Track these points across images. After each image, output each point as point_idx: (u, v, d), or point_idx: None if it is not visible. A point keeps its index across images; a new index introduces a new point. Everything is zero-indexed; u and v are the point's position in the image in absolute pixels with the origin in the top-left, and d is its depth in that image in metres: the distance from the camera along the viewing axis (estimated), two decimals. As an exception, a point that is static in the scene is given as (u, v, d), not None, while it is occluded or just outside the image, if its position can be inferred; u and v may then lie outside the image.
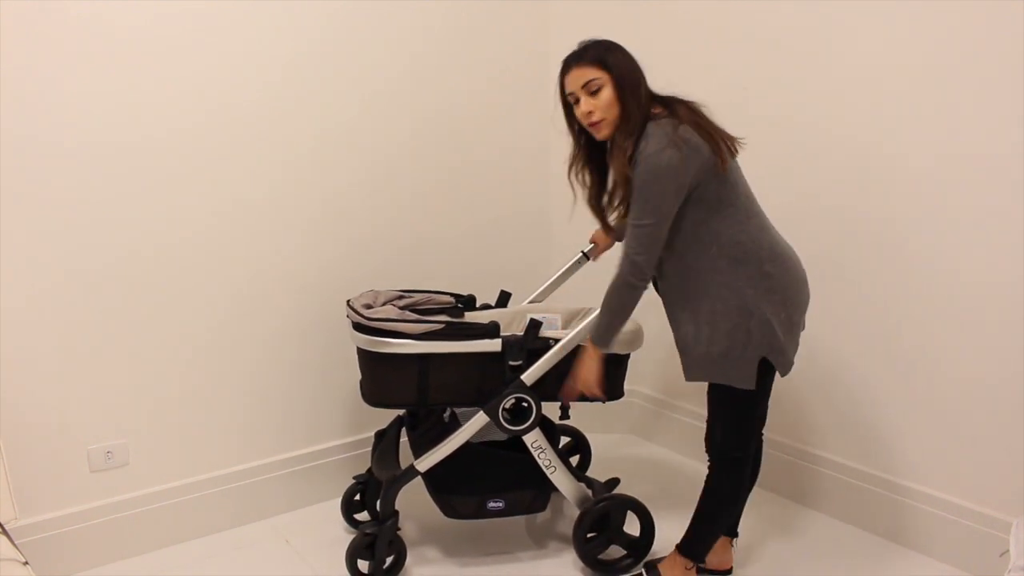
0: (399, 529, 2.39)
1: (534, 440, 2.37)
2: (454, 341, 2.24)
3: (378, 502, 2.40)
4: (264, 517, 2.80)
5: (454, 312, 2.54)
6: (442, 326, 2.27)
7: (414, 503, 2.69)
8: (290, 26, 2.61)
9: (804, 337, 2.65)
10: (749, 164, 2.69)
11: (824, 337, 2.64)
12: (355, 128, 2.79)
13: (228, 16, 2.50)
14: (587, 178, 2.16)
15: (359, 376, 2.45)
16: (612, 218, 2.22)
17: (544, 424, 2.46)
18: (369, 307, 2.39)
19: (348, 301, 2.43)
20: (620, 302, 2.07)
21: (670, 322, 2.15)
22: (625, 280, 2.04)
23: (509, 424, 2.32)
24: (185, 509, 2.65)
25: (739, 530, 2.43)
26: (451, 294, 2.63)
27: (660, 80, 2.98)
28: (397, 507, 2.38)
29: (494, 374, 2.29)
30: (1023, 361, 2.20)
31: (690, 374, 2.12)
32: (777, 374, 2.12)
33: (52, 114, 2.28)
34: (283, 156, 2.67)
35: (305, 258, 2.77)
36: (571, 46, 3.10)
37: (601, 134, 2.04)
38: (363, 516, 2.74)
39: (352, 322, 2.33)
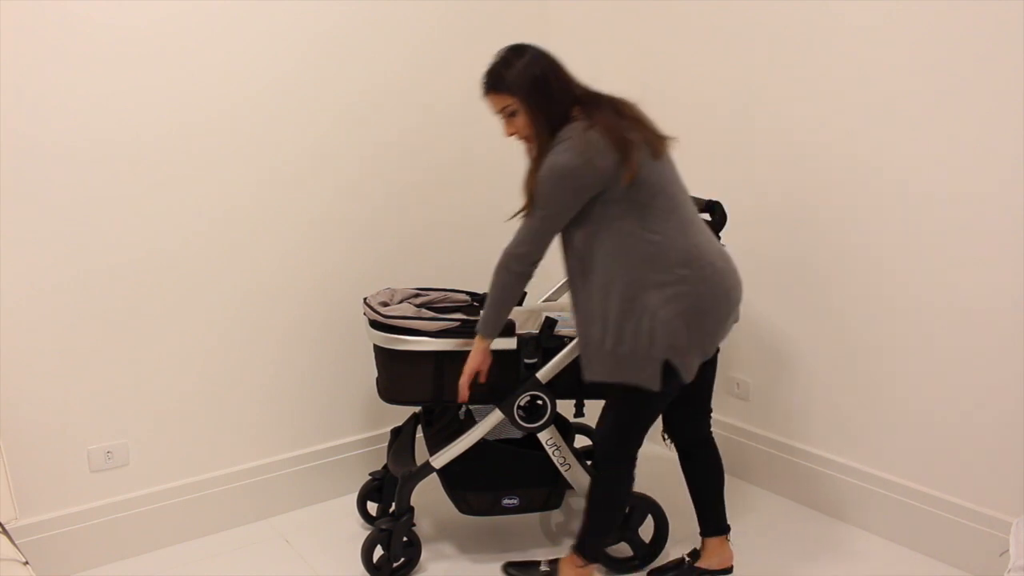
0: (414, 525, 2.39)
1: (549, 438, 2.37)
2: (470, 339, 2.24)
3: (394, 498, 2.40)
4: (266, 516, 2.78)
5: (470, 310, 2.54)
6: (458, 324, 2.28)
7: (429, 499, 2.69)
8: (292, 25, 2.60)
9: (809, 332, 2.71)
10: (737, 166, 2.73)
11: (824, 335, 2.68)
12: (359, 127, 2.79)
13: (229, 16, 2.49)
14: None
15: (372, 374, 2.45)
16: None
17: (559, 422, 2.47)
18: (386, 305, 2.39)
19: (365, 299, 2.43)
20: (501, 290, 2.11)
21: (578, 320, 2.13)
22: (505, 266, 2.08)
23: (524, 421, 2.32)
24: (185, 509, 2.62)
25: (730, 524, 2.41)
26: (467, 292, 2.64)
27: (659, 79, 3.04)
28: (412, 503, 2.38)
29: (509, 372, 2.29)
30: (1022, 361, 2.24)
31: (592, 371, 2.09)
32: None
33: (52, 115, 2.26)
34: (286, 155, 2.66)
35: (310, 256, 2.76)
36: (571, 46, 3.14)
37: (531, 146, 2.10)
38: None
39: (369, 320, 2.34)
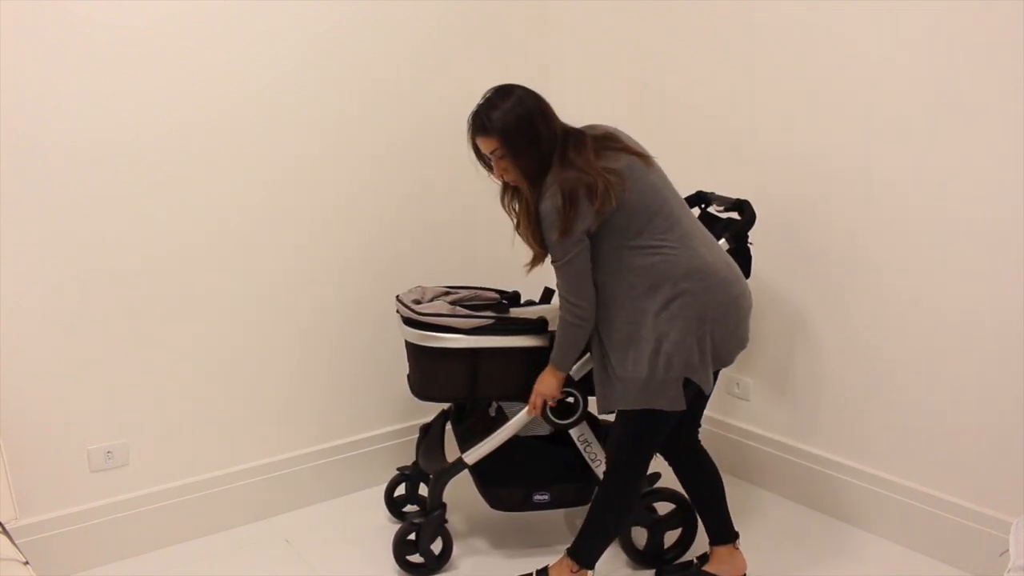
0: (446, 521, 2.41)
1: (580, 434, 2.38)
2: (503, 336, 2.26)
3: (427, 494, 2.42)
4: (265, 516, 2.78)
5: (499, 308, 2.52)
6: (492, 321, 2.29)
7: (460, 495, 2.69)
8: (292, 25, 2.60)
9: (809, 333, 2.71)
10: (737, 166, 2.72)
11: (824, 336, 2.68)
12: (359, 127, 2.79)
13: (229, 16, 2.49)
14: (517, 207, 2.21)
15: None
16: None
17: (589, 418, 2.45)
18: (418, 302, 2.40)
19: (398, 296, 2.45)
20: (566, 339, 2.16)
21: (595, 352, 2.17)
22: (564, 320, 2.14)
23: (555, 418, 2.33)
24: (185, 509, 2.62)
25: (738, 531, 2.42)
26: (495, 290, 2.63)
27: (659, 79, 3.04)
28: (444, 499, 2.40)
29: (541, 369, 2.28)
30: (1022, 361, 2.24)
31: (613, 402, 2.12)
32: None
33: (52, 115, 2.26)
34: (287, 154, 2.66)
35: (312, 255, 2.76)
36: (571, 46, 3.15)
37: (519, 185, 2.13)
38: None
39: (403, 317, 2.35)
